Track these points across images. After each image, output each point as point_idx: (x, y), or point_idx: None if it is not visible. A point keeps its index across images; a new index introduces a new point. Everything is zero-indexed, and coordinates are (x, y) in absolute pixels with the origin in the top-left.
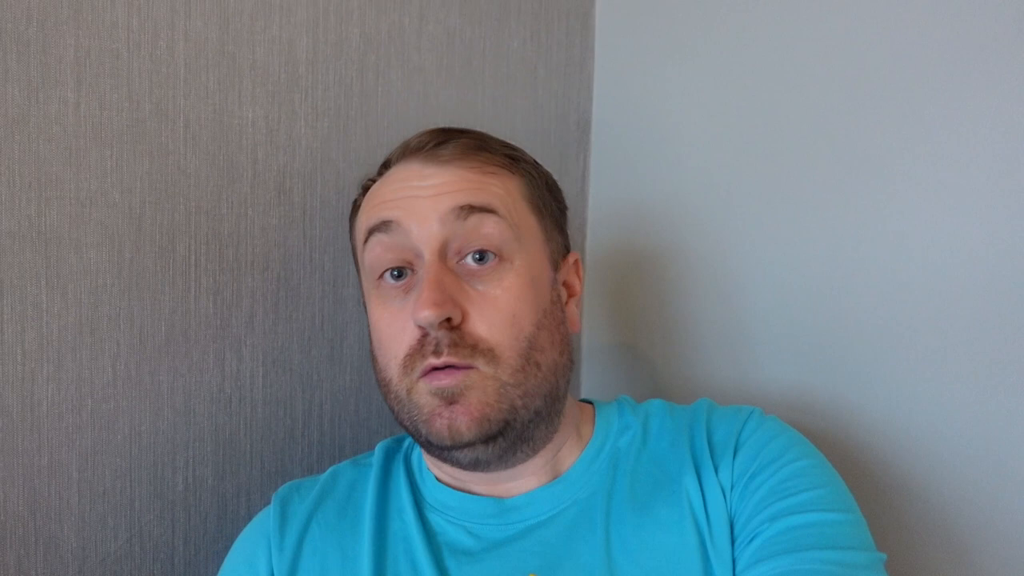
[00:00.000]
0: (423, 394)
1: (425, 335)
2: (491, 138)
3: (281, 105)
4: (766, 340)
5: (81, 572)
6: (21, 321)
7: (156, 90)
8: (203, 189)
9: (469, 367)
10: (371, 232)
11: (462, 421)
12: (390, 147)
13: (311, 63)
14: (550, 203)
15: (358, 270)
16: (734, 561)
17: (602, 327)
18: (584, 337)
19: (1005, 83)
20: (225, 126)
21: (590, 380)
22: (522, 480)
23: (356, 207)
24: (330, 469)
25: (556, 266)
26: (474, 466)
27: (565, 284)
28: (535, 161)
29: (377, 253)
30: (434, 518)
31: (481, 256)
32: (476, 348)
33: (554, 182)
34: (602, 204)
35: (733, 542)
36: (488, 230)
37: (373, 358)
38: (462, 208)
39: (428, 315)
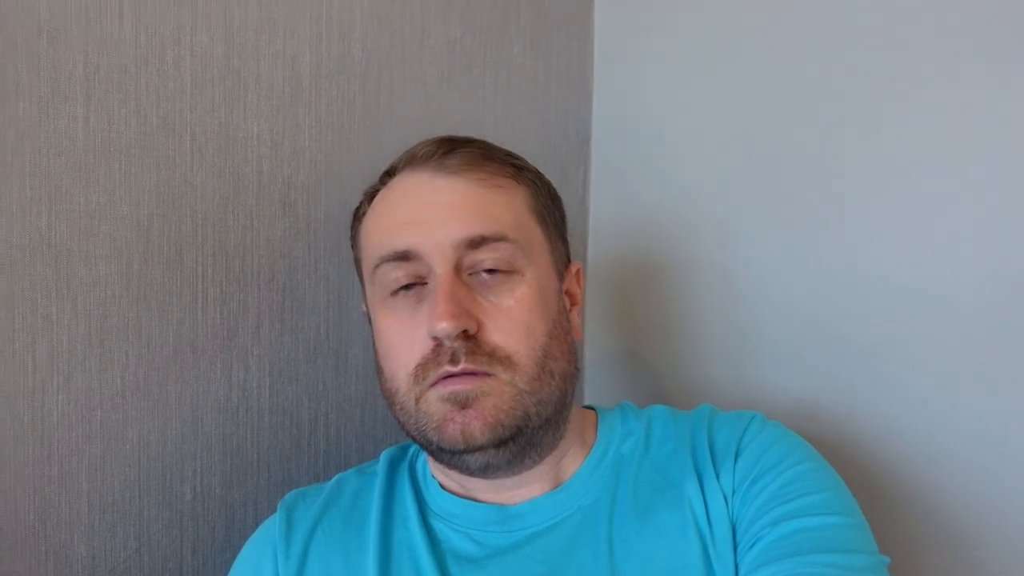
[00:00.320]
0: (432, 401)
1: (439, 345)
2: (495, 147)
3: (285, 118)
4: (768, 347)
5: None
6: (32, 333)
7: (163, 104)
8: (209, 201)
9: (487, 374)
10: (386, 261)
11: (476, 426)
12: (393, 158)
13: (315, 76)
14: (553, 212)
15: (360, 276)
16: (736, 566)
17: (605, 335)
18: (587, 345)
19: (1010, 86)
20: (231, 139)
21: (593, 387)
22: (527, 487)
23: (360, 214)
24: (335, 477)
25: (561, 276)
26: (483, 471)
27: (568, 293)
28: (537, 170)
29: (393, 277)
30: (438, 525)
31: (492, 269)
32: (493, 356)
33: (555, 191)
34: (603, 213)
35: (735, 547)
36: (499, 254)
37: (379, 368)
38: (474, 239)
39: (445, 327)
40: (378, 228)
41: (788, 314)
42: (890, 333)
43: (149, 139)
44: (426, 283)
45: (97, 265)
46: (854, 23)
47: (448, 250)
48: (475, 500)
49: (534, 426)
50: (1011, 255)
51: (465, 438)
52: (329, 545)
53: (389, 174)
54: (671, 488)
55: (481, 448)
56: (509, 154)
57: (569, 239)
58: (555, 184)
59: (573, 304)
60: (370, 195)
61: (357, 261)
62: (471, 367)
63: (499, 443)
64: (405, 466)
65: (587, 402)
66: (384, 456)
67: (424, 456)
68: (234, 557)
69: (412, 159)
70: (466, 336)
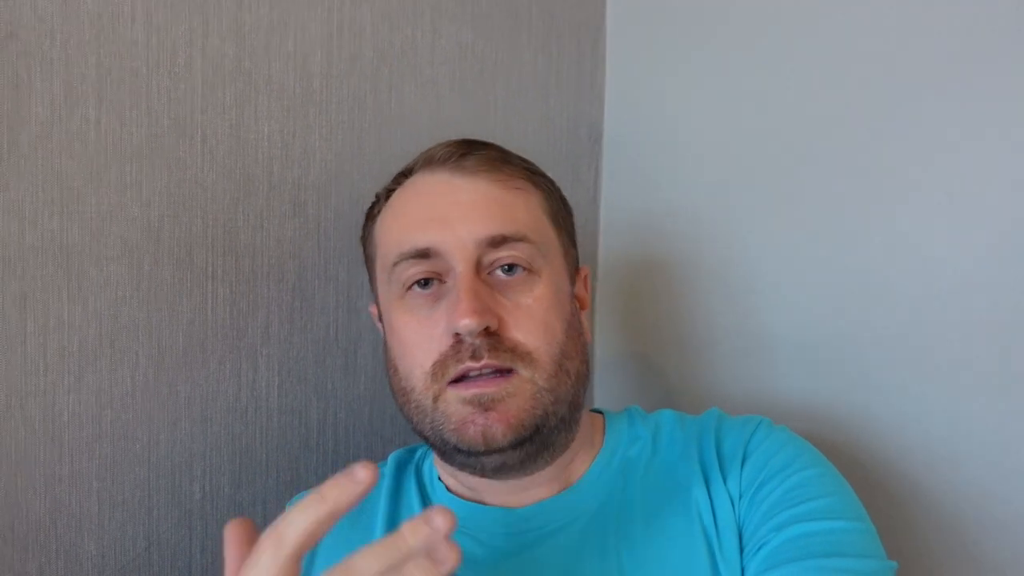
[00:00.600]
0: (452, 402)
1: (459, 342)
2: (510, 152)
3: (296, 119)
4: (779, 349)
5: None
6: (43, 333)
7: (174, 106)
8: (220, 202)
9: (510, 370)
10: (406, 258)
11: (498, 428)
12: (403, 160)
13: (325, 78)
14: (566, 217)
15: (372, 275)
16: (743, 570)
17: (615, 336)
18: (596, 346)
19: (1017, 87)
20: (241, 140)
21: (602, 389)
22: (535, 490)
23: (374, 213)
24: None
25: (572, 279)
26: (497, 472)
27: (577, 297)
28: (549, 176)
29: (411, 274)
30: None
31: (510, 268)
32: (515, 351)
33: (565, 198)
34: (614, 214)
35: (741, 551)
36: (519, 253)
37: (392, 367)
38: (495, 237)
39: (469, 323)
40: (397, 226)
41: (798, 316)
42: (900, 336)
43: (160, 141)
44: (444, 281)
45: (108, 266)
46: (864, 24)
47: (470, 248)
48: (482, 503)
49: (551, 425)
50: (1022, 257)
51: (486, 440)
52: (336, 546)
53: (405, 174)
54: (678, 492)
55: (501, 450)
56: (523, 159)
57: (579, 241)
58: (566, 185)
59: (582, 308)
60: (385, 194)
61: (370, 260)
62: (494, 363)
63: (518, 443)
64: (412, 469)
65: (596, 404)
66: (391, 459)
67: (431, 459)
68: None
69: (430, 160)
70: (487, 333)
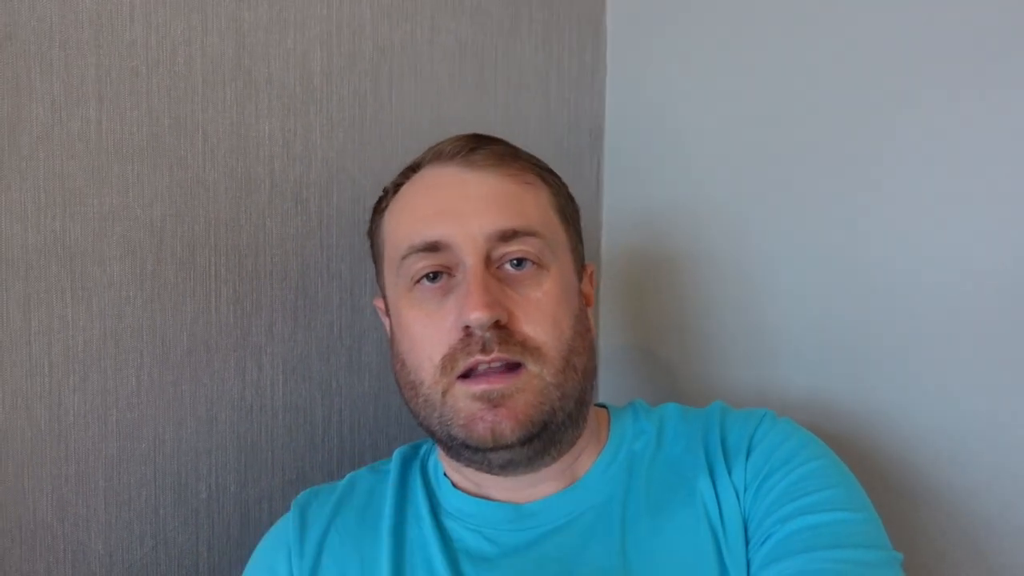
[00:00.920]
0: (461, 398)
1: (469, 335)
2: (518, 147)
3: (297, 117)
4: (781, 343)
5: None
6: (48, 334)
7: (175, 106)
8: (222, 201)
9: (519, 364)
10: (416, 251)
11: (507, 424)
12: (404, 156)
13: (326, 76)
14: (573, 214)
15: (378, 269)
16: (748, 562)
17: (618, 331)
18: (601, 341)
19: (1020, 84)
20: (242, 139)
21: (607, 384)
22: (541, 485)
23: (382, 207)
24: (348, 476)
25: (579, 275)
26: (504, 468)
27: (583, 293)
28: (555, 172)
29: (420, 267)
30: (451, 524)
31: (519, 262)
32: (525, 345)
33: (572, 194)
34: (616, 210)
35: (747, 543)
36: (528, 248)
37: (400, 361)
38: (506, 232)
39: (480, 316)
40: (406, 219)
41: (801, 310)
42: (905, 329)
43: (161, 140)
44: (453, 275)
45: (111, 266)
46: (868, 16)
47: (480, 242)
48: (488, 499)
49: (558, 421)
50: None
51: (495, 436)
52: (343, 544)
53: (413, 169)
54: (683, 485)
55: (509, 446)
56: (531, 155)
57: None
58: (568, 180)
59: (587, 304)
60: (394, 188)
61: (377, 253)
62: (504, 356)
63: (526, 440)
64: (417, 465)
65: (600, 399)
66: (396, 455)
67: (436, 454)
68: (249, 554)
69: (439, 155)
70: (497, 326)
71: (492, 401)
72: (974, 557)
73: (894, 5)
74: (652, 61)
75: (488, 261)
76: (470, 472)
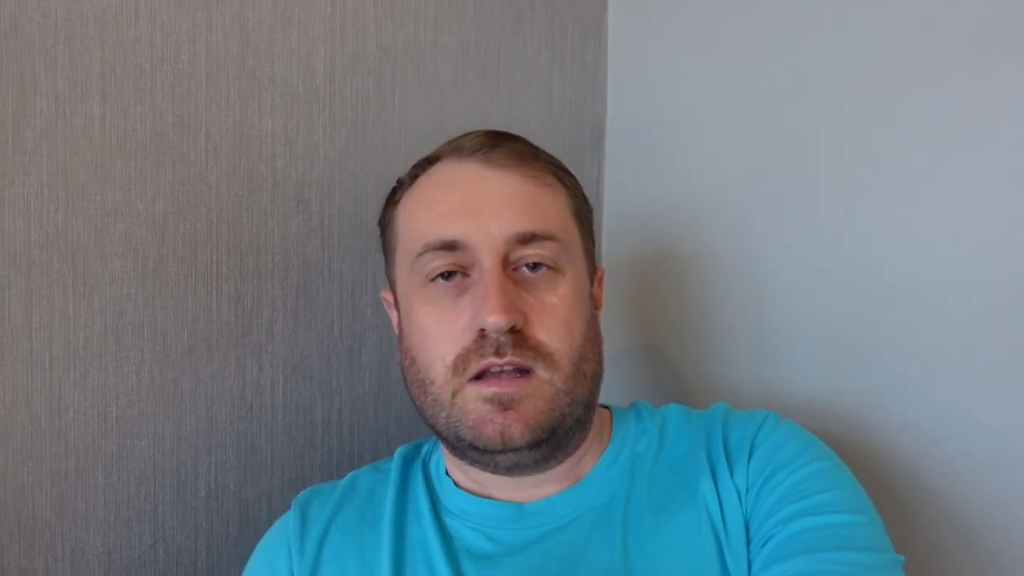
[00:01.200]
0: (471, 399)
1: (483, 337)
2: (537, 147)
3: (300, 116)
4: (784, 344)
5: None
6: (49, 329)
7: (178, 103)
8: (224, 199)
9: (530, 370)
10: (432, 249)
11: (516, 428)
12: (407, 156)
13: (329, 75)
14: (588, 217)
15: (389, 260)
16: (750, 563)
17: (620, 331)
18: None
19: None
20: (245, 137)
21: (609, 384)
22: (544, 485)
23: (396, 199)
24: (349, 475)
25: (591, 279)
26: (510, 470)
27: (592, 296)
28: (572, 173)
29: (436, 265)
30: (452, 523)
31: (535, 265)
32: (538, 351)
33: (586, 195)
34: (618, 209)
35: (749, 544)
36: (546, 252)
37: (409, 358)
38: (525, 234)
39: (497, 320)
40: (423, 214)
41: (803, 310)
42: (907, 331)
43: (164, 137)
44: (468, 274)
45: (113, 262)
46: (869, 16)
47: (499, 243)
48: (491, 498)
49: (566, 427)
50: None
51: (504, 439)
52: (343, 542)
53: (430, 161)
54: (685, 486)
55: (517, 449)
56: (550, 155)
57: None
58: None
59: (596, 307)
60: (409, 180)
61: (388, 245)
62: (517, 360)
63: (534, 444)
64: (418, 464)
65: (603, 399)
66: (398, 454)
67: (438, 454)
68: (248, 553)
69: (458, 150)
70: (512, 330)
71: (503, 404)
72: (976, 559)
73: (896, 4)
74: (654, 61)
75: (505, 263)
76: (474, 472)
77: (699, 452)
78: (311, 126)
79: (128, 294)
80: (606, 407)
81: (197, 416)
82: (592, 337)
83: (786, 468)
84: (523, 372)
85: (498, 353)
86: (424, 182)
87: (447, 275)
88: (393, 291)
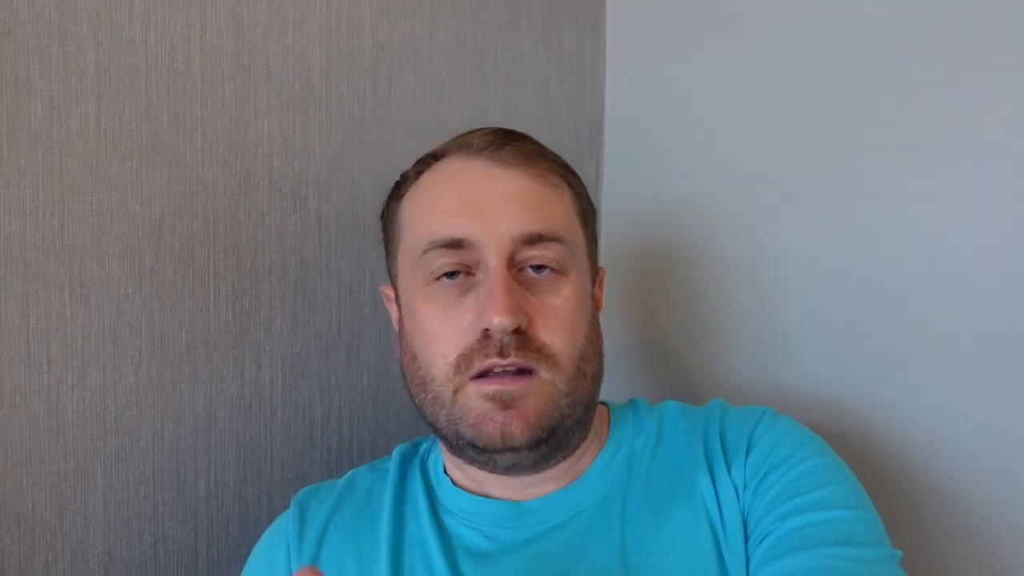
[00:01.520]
0: (472, 397)
1: (487, 337)
2: (544, 145)
3: (296, 115)
4: (785, 341)
5: None
6: (46, 331)
7: (173, 103)
8: (220, 199)
9: (532, 371)
10: (437, 246)
11: (516, 426)
12: (404, 154)
13: (325, 73)
14: (591, 216)
15: (391, 255)
16: (747, 560)
17: (619, 328)
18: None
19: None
20: (241, 136)
21: (609, 380)
22: (542, 484)
23: (400, 194)
24: (348, 474)
25: (593, 280)
26: (509, 470)
27: (593, 298)
28: (577, 173)
29: (440, 264)
30: (450, 522)
31: (539, 267)
32: (541, 352)
33: (590, 196)
34: (616, 205)
35: (746, 541)
36: (551, 254)
37: (410, 354)
38: (531, 235)
39: (503, 321)
40: (428, 211)
41: (804, 306)
42: (909, 328)
43: (160, 138)
44: (472, 273)
45: (110, 263)
46: (871, 13)
47: (506, 243)
48: (488, 496)
49: (566, 427)
50: None
51: (504, 438)
52: (342, 541)
53: (435, 157)
54: (683, 483)
55: (516, 449)
56: (556, 154)
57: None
58: None
59: (597, 308)
60: (415, 174)
61: (391, 240)
62: (520, 361)
63: (534, 444)
64: (416, 463)
65: (602, 396)
66: (396, 453)
67: (437, 452)
68: (248, 551)
69: (466, 147)
70: (517, 331)
71: (503, 402)
72: (974, 555)
73: (897, 3)
74: (652, 57)
75: (511, 263)
76: (473, 470)
77: (696, 449)
78: (307, 124)
79: (125, 294)
80: (604, 404)
81: (196, 415)
82: (593, 338)
83: (783, 464)
84: (525, 372)
85: (501, 354)
86: (430, 178)
87: (451, 274)
88: (394, 286)
